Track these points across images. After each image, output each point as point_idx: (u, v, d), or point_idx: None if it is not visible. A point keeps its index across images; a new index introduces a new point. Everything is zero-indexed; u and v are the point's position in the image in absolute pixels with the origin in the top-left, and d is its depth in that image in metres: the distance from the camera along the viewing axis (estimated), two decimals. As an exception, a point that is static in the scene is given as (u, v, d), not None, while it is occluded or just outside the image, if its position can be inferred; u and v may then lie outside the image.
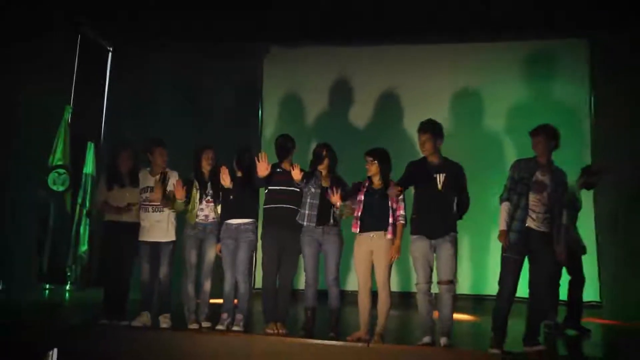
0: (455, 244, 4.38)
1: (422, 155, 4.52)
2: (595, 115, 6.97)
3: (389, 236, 4.43)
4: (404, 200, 4.51)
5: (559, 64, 7.06)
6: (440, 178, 4.41)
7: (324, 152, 4.79)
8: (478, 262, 6.74)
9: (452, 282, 4.32)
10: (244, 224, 4.87)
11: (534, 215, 4.28)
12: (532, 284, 4.30)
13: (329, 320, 4.68)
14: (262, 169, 4.66)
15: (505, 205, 4.37)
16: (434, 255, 4.39)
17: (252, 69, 7.85)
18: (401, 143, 7.12)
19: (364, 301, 4.53)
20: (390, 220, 4.45)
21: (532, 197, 4.30)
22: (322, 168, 4.79)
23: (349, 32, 7.36)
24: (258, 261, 5.18)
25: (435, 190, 4.39)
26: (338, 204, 4.54)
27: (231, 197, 4.89)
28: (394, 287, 6.89)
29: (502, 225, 4.34)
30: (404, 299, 6.58)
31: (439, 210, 4.35)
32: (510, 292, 4.29)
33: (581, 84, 7.00)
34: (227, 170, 4.80)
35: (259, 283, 5.22)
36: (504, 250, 4.34)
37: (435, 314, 4.39)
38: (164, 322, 4.91)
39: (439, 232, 4.35)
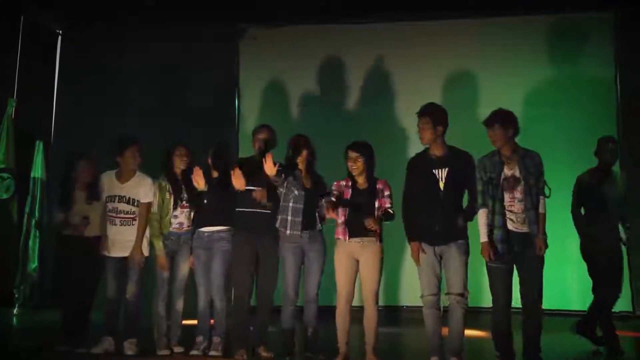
0: (465, 251, 4.34)
1: (418, 146, 4.51)
2: (621, 97, 7.03)
3: (379, 243, 4.47)
4: (390, 195, 4.55)
5: (581, 42, 7.09)
6: (442, 174, 4.34)
7: (301, 142, 4.75)
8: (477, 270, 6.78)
9: (463, 295, 4.30)
10: (218, 231, 4.86)
11: (513, 217, 4.30)
12: (522, 293, 4.30)
13: (305, 341, 4.70)
14: (240, 182, 4.66)
15: (483, 213, 4.33)
16: (441, 263, 4.37)
17: (228, 54, 7.81)
18: (396, 134, 7.13)
19: (345, 318, 4.52)
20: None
21: (507, 197, 4.30)
22: (300, 162, 4.75)
23: (336, 8, 7.33)
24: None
25: (435, 190, 4.33)
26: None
27: (205, 201, 4.87)
28: (393, 301, 7.15)
29: (483, 237, 4.31)
30: (407, 314, 6.65)
31: (441, 214, 4.30)
32: (503, 303, 4.30)
33: (607, 65, 7.03)
34: (201, 172, 4.77)
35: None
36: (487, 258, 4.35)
37: (444, 330, 4.37)
38: (130, 348, 4.88)
39: (441, 239, 4.32)
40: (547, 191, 4.34)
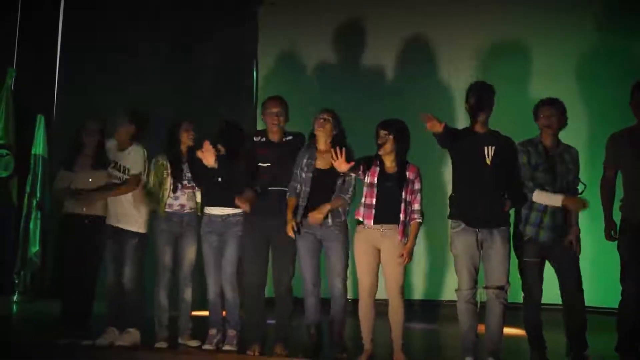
0: (508, 240, 4.37)
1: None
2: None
3: (399, 238, 4.40)
4: (420, 190, 4.49)
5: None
6: (489, 151, 4.36)
7: (327, 117, 4.69)
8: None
9: (503, 287, 4.31)
10: (233, 214, 4.84)
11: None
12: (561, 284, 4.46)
13: (331, 336, 4.68)
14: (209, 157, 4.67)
15: (541, 191, 4.42)
16: (481, 252, 4.35)
17: (245, 22, 7.81)
18: (431, 111, 6.97)
19: (369, 312, 4.51)
20: (402, 216, 4.41)
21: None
22: (322, 135, 4.69)
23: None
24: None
25: (482, 165, 4.34)
26: (342, 167, 4.40)
27: (219, 179, 4.81)
28: (422, 295, 7.09)
29: (558, 199, 4.36)
30: (438, 309, 6.63)
31: (488, 191, 4.32)
32: (537, 297, 4.44)
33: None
34: (211, 147, 4.71)
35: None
36: (525, 253, 4.46)
37: (480, 327, 4.37)
38: (127, 338, 4.90)
39: (487, 221, 4.31)
40: (580, 187, 4.45)
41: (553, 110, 4.46)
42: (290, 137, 4.85)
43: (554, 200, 4.36)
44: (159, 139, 5.19)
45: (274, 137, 4.83)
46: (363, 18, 7.58)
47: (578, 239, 4.42)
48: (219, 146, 4.82)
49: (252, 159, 4.79)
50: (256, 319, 4.76)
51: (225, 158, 4.80)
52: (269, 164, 4.76)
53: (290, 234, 4.59)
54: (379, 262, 4.50)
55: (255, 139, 4.86)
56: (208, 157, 4.71)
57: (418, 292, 6.95)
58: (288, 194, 4.70)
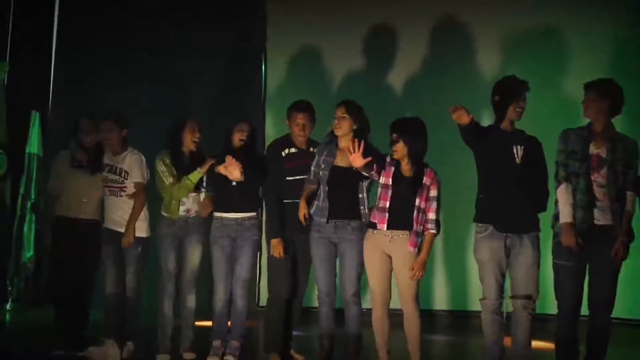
0: (538, 247, 4.22)
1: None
2: None
3: (410, 248, 4.28)
4: (437, 198, 4.35)
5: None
6: (518, 151, 4.23)
7: (342, 114, 4.54)
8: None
9: (531, 297, 4.18)
10: (249, 218, 4.81)
11: (597, 203, 4.19)
12: (590, 297, 4.22)
13: (345, 349, 4.59)
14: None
15: (566, 188, 4.17)
16: (508, 260, 4.21)
17: (253, 15, 7.74)
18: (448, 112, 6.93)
19: (382, 321, 4.42)
20: (415, 225, 4.29)
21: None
22: (341, 134, 4.56)
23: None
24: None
25: (512, 165, 4.21)
26: (357, 162, 4.25)
27: (234, 183, 4.75)
28: (446, 305, 7.01)
29: (566, 216, 4.11)
30: (460, 320, 6.55)
31: (519, 193, 4.18)
32: (573, 308, 4.20)
33: None
34: (235, 160, 4.65)
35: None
36: (555, 254, 4.24)
37: (506, 340, 4.24)
38: (126, 352, 4.87)
39: (517, 226, 4.17)
40: None
41: (589, 94, 4.25)
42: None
43: (563, 213, 4.15)
44: (160, 138, 5.12)
45: (301, 145, 4.83)
46: (374, 11, 7.46)
47: (625, 248, 4.15)
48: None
49: (279, 173, 4.78)
50: (278, 329, 4.76)
51: (247, 168, 4.73)
52: (299, 177, 4.73)
53: (302, 220, 4.56)
54: (392, 269, 4.41)
55: (282, 153, 4.81)
56: (234, 172, 4.68)
57: (439, 301, 6.87)
58: (305, 182, 4.66)
